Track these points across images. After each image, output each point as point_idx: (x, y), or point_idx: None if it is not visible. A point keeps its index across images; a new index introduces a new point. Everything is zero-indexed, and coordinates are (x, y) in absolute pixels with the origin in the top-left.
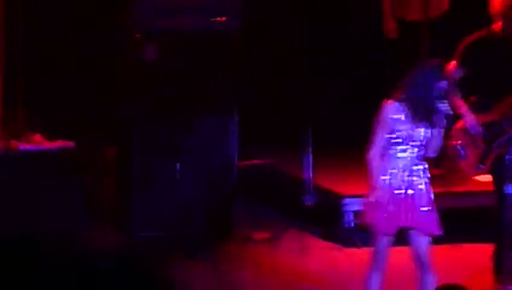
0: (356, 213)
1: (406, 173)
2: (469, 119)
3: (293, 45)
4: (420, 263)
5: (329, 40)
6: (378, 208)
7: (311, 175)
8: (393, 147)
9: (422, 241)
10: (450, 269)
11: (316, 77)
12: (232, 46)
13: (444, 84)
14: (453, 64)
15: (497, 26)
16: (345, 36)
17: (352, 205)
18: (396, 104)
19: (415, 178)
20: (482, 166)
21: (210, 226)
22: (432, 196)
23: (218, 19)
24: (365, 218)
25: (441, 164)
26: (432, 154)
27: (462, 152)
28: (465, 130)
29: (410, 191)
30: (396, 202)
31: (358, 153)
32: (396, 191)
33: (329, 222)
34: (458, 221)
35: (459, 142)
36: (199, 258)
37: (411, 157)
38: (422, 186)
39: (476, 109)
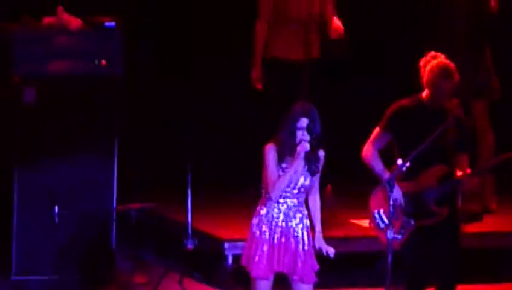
0: (236, 257)
1: (283, 218)
2: (395, 192)
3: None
4: None
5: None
6: (255, 252)
7: (190, 219)
8: None
9: (303, 289)
10: None
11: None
12: (112, 89)
13: (305, 122)
14: (376, 130)
15: (426, 94)
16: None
17: (233, 249)
18: (275, 147)
19: (293, 224)
20: (399, 237)
21: (88, 270)
22: (310, 242)
23: (102, 62)
24: (242, 260)
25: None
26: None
27: (382, 221)
28: (386, 198)
29: (287, 237)
30: (272, 246)
31: (237, 197)
32: (273, 236)
33: (210, 265)
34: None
35: (380, 210)
36: None
37: (291, 203)
38: (299, 233)
39: (400, 176)
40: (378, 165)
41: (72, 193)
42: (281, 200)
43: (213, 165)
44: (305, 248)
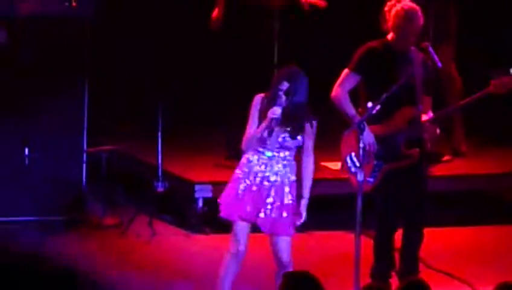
0: (206, 200)
1: (263, 168)
2: (366, 135)
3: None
4: (277, 260)
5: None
6: (233, 193)
7: (160, 162)
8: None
9: (279, 241)
10: (303, 257)
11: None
12: (83, 30)
13: (285, 86)
14: (345, 72)
15: (391, 37)
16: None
17: (203, 192)
18: (262, 100)
19: (271, 174)
20: (371, 180)
21: (59, 211)
22: (292, 197)
23: (72, 3)
24: (220, 199)
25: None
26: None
27: (353, 165)
28: (357, 141)
29: (258, 186)
30: (244, 190)
31: (209, 140)
32: (248, 180)
33: (180, 208)
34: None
35: (351, 153)
36: (49, 242)
37: (270, 153)
38: (275, 184)
39: (370, 119)
40: (348, 108)
41: (42, 134)
42: (261, 149)
43: (184, 107)
44: (284, 201)
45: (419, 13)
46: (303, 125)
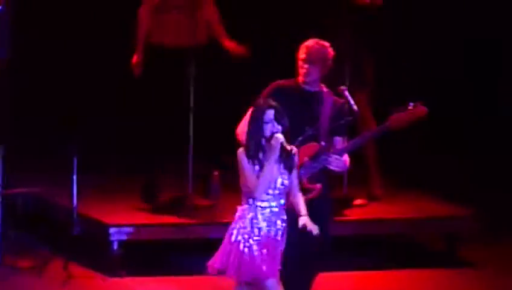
0: (122, 242)
1: (266, 224)
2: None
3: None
4: None
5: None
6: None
7: (75, 204)
8: None
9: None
10: None
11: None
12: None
13: (271, 114)
14: (251, 109)
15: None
16: None
17: (118, 235)
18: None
19: (275, 229)
20: None
21: None
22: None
23: None
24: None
25: (210, 195)
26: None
27: None
28: None
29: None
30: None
31: (124, 182)
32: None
33: (95, 251)
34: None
35: None
36: None
37: (274, 208)
38: (279, 237)
39: None
40: None
41: None
42: (264, 204)
43: (99, 150)
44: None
45: (313, 50)
46: (291, 153)
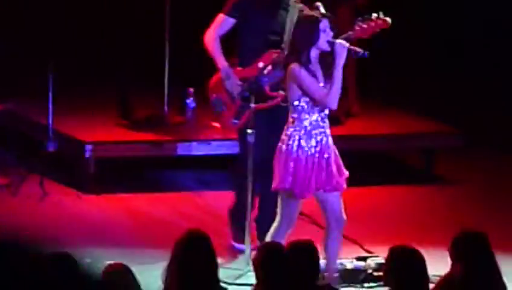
0: (97, 159)
1: (316, 132)
2: (228, 81)
3: None
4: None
5: None
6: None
7: (51, 121)
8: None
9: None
10: (189, 216)
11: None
12: None
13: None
14: (220, 16)
15: None
16: None
17: (94, 152)
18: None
19: (323, 137)
20: (236, 121)
21: None
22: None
23: None
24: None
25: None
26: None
27: (220, 106)
28: (223, 84)
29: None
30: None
31: (101, 100)
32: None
33: (71, 168)
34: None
35: (218, 95)
36: None
37: (318, 117)
38: (330, 144)
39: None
40: (215, 52)
41: None
42: (314, 117)
43: (76, 65)
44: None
45: None
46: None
